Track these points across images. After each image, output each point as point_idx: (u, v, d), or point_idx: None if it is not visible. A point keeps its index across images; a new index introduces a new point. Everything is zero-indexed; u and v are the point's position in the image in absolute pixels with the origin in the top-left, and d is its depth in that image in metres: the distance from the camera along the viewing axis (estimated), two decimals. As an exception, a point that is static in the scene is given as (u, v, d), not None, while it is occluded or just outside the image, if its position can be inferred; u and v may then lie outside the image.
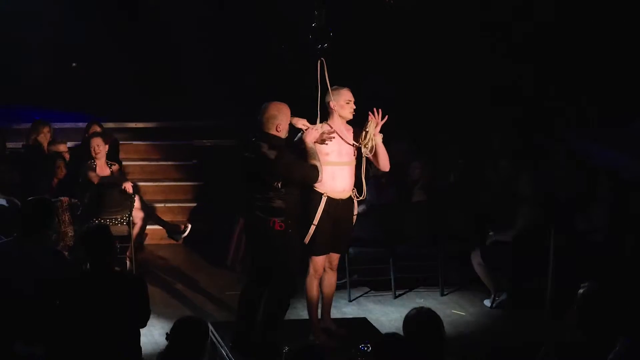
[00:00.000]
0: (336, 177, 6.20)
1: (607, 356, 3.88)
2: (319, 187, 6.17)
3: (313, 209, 6.15)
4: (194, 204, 10.50)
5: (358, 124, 6.27)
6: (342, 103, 6.21)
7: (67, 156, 8.63)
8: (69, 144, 9.37)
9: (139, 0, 11.34)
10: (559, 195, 7.66)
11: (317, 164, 5.95)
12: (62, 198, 7.87)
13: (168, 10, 11.12)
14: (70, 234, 7.78)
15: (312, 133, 6.08)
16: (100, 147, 8.41)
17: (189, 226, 9.02)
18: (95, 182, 8.27)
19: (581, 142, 8.06)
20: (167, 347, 4.30)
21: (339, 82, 6.23)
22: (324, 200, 6.16)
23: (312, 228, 6.14)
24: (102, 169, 8.48)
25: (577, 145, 8.13)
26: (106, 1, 10.96)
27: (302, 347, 4.08)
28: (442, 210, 8.32)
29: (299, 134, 6.15)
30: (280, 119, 5.84)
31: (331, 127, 6.20)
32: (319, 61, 6.22)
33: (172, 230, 9.04)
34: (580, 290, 4.18)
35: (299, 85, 6.42)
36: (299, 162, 5.93)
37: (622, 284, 6.65)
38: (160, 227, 9.14)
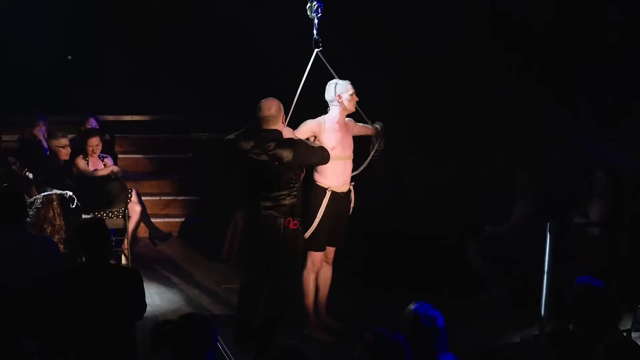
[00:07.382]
0: (339, 171, 6.19)
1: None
2: (322, 181, 6.15)
3: (317, 204, 6.14)
4: (189, 197, 10.50)
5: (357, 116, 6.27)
6: (348, 96, 6.19)
7: (69, 150, 8.61)
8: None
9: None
10: (555, 189, 7.66)
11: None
12: (57, 191, 7.85)
13: (164, 2, 11.10)
14: (65, 228, 7.75)
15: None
16: (98, 147, 8.63)
17: (172, 236, 9.19)
18: (89, 174, 8.41)
19: (578, 138, 8.07)
20: (173, 349, 4.13)
21: (340, 76, 6.23)
22: (328, 194, 6.15)
23: (316, 223, 6.13)
24: (95, 163, 8.56)
25: (574, 140, 8.13)
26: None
27: (287, 350, 3.88)
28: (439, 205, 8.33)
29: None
30: (282, 112, 5.79)
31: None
32: (315, 52, 6.21)
33: (156, 235, 9.08)
34: (575, 285, 4.19)
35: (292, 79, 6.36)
36: (312, 146, 5.87)
37: (617, 279, 6.67)
38: (151, 222, 9.17)
